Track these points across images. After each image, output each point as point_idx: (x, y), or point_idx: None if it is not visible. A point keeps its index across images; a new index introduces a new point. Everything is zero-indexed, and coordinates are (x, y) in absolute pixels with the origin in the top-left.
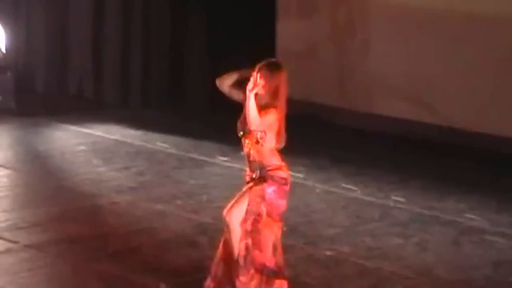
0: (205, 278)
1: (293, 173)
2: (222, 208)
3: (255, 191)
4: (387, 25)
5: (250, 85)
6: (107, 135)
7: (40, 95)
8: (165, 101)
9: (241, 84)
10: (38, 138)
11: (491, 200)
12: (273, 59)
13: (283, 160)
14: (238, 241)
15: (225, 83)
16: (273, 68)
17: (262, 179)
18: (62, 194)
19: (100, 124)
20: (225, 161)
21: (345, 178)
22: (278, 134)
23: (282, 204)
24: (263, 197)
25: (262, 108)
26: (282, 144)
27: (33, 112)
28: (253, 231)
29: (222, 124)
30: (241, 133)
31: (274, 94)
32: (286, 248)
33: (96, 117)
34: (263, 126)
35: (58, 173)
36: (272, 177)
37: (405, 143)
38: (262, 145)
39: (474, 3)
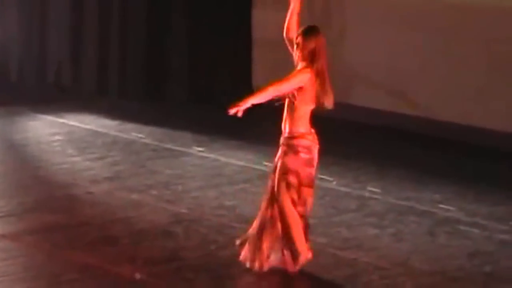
0: (180, 268)
1: (268, 164)
2: (198, 198)
3: (281, 168)
4: (364, 15)
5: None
6: (82, 125)
7: (16, 84)
8: (143, 91)
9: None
10: (13, 127)
11: (466, 191)
12: (311, 25)
13: (311, 124)
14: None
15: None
16: (309, 32)
17: (283, 151)
18: (37, 184)
19: (76, 114)
20: (200, 151)
21: (321, 169)
22: (316, 95)
23: (310, 171)
24: (288, 171)
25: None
26: (330, 104)
27: (8, 102)
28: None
29: (198, 114)
30: None
31: (310, 57)
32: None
33: (72, 106)
34: (288, 88)
35: (34, 163)
36: (292, 148)
37: (381, 134)
38: (293, 103)
39: None
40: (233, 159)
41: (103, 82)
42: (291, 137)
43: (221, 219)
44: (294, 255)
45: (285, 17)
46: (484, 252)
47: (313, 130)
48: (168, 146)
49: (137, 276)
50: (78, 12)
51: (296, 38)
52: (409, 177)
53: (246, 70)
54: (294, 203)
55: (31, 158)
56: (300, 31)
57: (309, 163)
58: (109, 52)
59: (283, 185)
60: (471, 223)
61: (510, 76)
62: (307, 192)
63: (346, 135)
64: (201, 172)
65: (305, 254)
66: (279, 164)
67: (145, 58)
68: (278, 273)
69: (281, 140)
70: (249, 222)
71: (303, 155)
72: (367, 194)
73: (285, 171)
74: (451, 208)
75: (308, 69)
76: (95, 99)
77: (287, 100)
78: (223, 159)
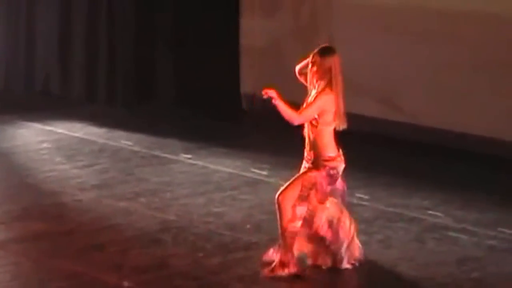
0: (168, 275)
1: (257, 170)
2: (186, 205)
3: (308, 178)
4: (352, 22)
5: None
6: (70, 133)
7: (4, 92)
8: (131, 98)
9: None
10: (1, 135)
11: (455, 197)
12: (325, 45)
13: (338, 146)
14: (285, 222)
15: (298, 66)
16: (324, 53)
17: (315, 166)
18: (25, 192)
19: (64, 122)
20: (188, 158)
21: None
22: (336, 115)
23: (327, 189)
24: (314, 184)
25: (317, 92)
26: (342, 125)
27: None
28: (309, 218)
29: (186, 122)
30: None
31: (328, 77)
32: (250, 246)
33: (60, 114)
34: (311, 115)
35: (21, 171)
36: (324, 166)
37: (369, 141)
38: (316, 127)
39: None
40: (221, 166)
41: (91, 89)
42: (323, 160)
43: (209, 226)
44: (281, 263)
45: (272, 24)
46: (472, 258)
47: (340, 151)
48: (156, 153)
49: (125, 284)
50: (65, 19)
51: (312, 57)
52: (397, 184)
53: (235, 78)
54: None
55: (19, 166)
56: (316, 50)
57: (333, 181)
58: (97, 59)
59: (303, 194)
60: (459, 229)
61: (497, 82)
62: (317, 208)
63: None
64: (189, 179)
65: (291, 267)
66: (308, 175)
67: (133, 65)
68: (268, 280)
69: (309, 162)
70: (237, 229)
71: (330, 173)
72: (355, 201)
73: (312, 185)
74: (439, 214)
75: (329, 90)
76: (82, 107)
77: (307, 124)
78: (211, 166)
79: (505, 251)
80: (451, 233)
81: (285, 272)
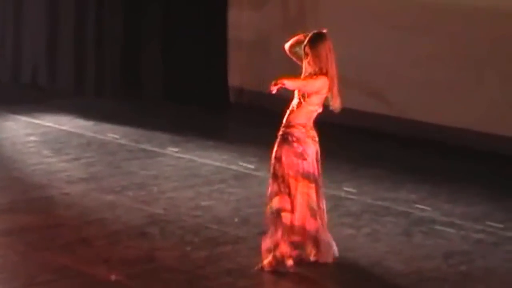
0: (156, 269)
1: (244, 164)
2: (173, 199)
3: (273, 153)
4: (340, 15)
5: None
6: (57, 126)
7: None
8: (119, 91)
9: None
10: None
11: (442, 190)
12: (316, 32)
13: (313, 122)
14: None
15: (287, 44)
16: (317, 39)
17: (279, 138)
18: (12, 185)
19: (51, 115)
20: (175, 152)
21: None
22: (332, 98)
23: (297, 163)
24: (276, 157)
25: (314, 74)
26: (338, 107)
27: None
28: (288, 194)
29: (173, 115)
30: None
31: (323, 63)
32: (237, 240)
33: (48, 107)
34: (313, 89)
35: (8, 164)
36: (284, 136)
37: (357, 134)
38: (302, 103)
39: None
40: (209, 159)
41: (79, 82)
42: (287, 125)
43: (197, 219)
44: (275, 258)
45: (261, 17)
46: (460, 251)
47: (311, 127)
48: (144, 146)
49: (113, 277)
50: (53, 12)
51: (304, 48)
52: (385, 177)
53: (222, 71)
54: (279, 193)
55: (6, 159)
56: (306, 40)
57: (299, 155)
58: (85, 52)
59: (271, 175)
60: (446, 223)
61: (485, 75)
62: (297, 185)
63: (321, 135)
64: (176, 173)
65: (285, 260)
66: (272, 155)
67: (121, 58)
68: (255, 273)
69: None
70: (225, 223)
71: (295, 145)
72: (342, 194)
73: (275, 159)
74: (426, 208)
75: (325, 76)
76: (70, 100)
77: (295, 99)
78: (198, 159)
79: (492, 244)
80: (438, 227)
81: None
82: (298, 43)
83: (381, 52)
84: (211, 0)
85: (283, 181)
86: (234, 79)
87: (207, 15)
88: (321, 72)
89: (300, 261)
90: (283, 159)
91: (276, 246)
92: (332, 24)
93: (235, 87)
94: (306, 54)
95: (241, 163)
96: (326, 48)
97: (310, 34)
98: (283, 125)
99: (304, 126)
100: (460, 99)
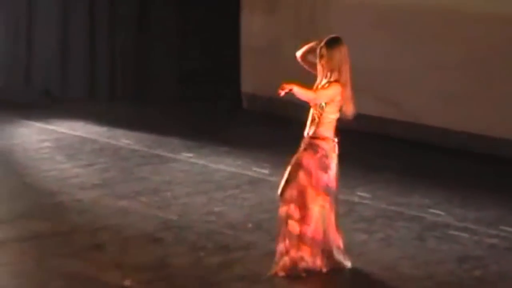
0: (169, 275)
1: (257, 169)
2: (186, 204)
3: (294, 159)
4: (350, 21)
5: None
6: (71, 132)
7: (4, 91)
8: (132, 97)
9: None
10: (1, 134)
11: (455, 195)
12: (333, 36)
13: (336, 133)
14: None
15: (300, 52)
16: (333, 44)
17: (307, 148)
18: (25, 191)
19: (65, 121)
20: (189, 157)
21: None
22: (345, 103)
23: (321, 176)
24: (300, 165)
25: (328, 82)
26: (350, 115)
27: None
28: (300, 206)
29: (186, 120)
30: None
31: (336, 69)
32: (250, 245)
33: (61, 113)
34: (325, 99)
35: (22, 170)
36: (312, 147)
37: (369, 139)
38: (321, 114)
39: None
40: (222, 165)
41: (92, 88)
42: (314, 137)
43: (210, 225)
44: (287, 263)
45: (273, 23)
46: (473, 256)
47: (336, 140)
48: (157, 152)
49: (126, 283)
50: (65, 18)
51: (320, 50)
52: (398, 182)
53: (235, 76)
54: (293, 201)
55: (20, 165)
56: (323, 42)
57: (323, 167)
58: (97, 58)
59: (291, 175)
60: (460, 227)
61: (494, 80)
62: (317, 198)
63: None
64: (189, 178)
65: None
66: (295, 157)
67: (133, 64)
68: (267, 279)
69: (303, 140)
70: (238, 228)
71: (323, 159)
72: (356, 199)
73: (297, 167)
74: (440, 212)
75: (338, 83)
76: (83, 106)
77: (313, 109)
78: (211, 165)
79: (506, 249)
80: (452, 232)
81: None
82: (311, 51)
83: (392, 58)
84: (224, 6)
85: (303, 191)
86: (247, 85)
87: (220, 22)
88: (332, 76)
89: (311, 270)
90: (312, 170)
91: (287, 251)
92: (343, 30)
93: (248, 93)
94: (321, 56)
95: (254, 169)
96: (342, 52)
97: (326, 38)
98: (310, 135)
99: (333, 141)
100: (471, 104)
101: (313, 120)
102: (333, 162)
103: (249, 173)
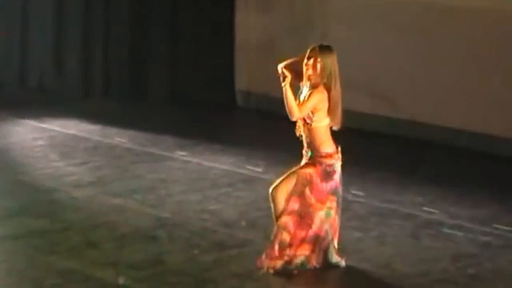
0: (163, 272)
1: (252, 167)
2: (181, 202)
3: (303, 174)
4: (346, 17)
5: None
6: (65, 130)
7: None
8: (126, 95)
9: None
10: None
11: (449, 193)
12: (324, 43)
13: (335, 143)
14: (279, 215)
15: (283, 64)
16: (325, 52)
17: (312, 163)
18: (19, 189)
19: (59, 119)
20: (183, 155)
21: None
22: (329, 113)
23: (324, 187)
24: (309, 181)
25: (311, 88)
26: (337, 124)
27: None
28: (304, 215)
29: (180, 118)
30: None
31: (323, 76)
32: (245, 243)
33: (55, 111)
34: (309, 110)
35: (16, 168)
36: (321, 163)
37: (364, 137)
38: (311, 124)
39: None
40: (216, 163)
41: (85, 86)
42: (322, 155)
43: (204, 223)
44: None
45: (268, 20)
46: (467, 254)
47: (339, 148)
48: (151, 150)
49: (120, 281)
50: (60, 15)
51: (313, 55)
52: (392, 180)
53: (229, 74)
54: (293, 213)
55: (14, 163)
56: (315, 47)
57: (328, 177)
58: (91, 56)
59: (297, 190)
60: (454, 225)
61: (489, 77)
62: (321, 206)
63: None
64: (184, 176)
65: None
66: (302, 172)
67: (127, 62)
68: (262, 276)
69: (307, 159)
70: (232, 226)
71: (322, 169)
72: (350, 197)
73: (305, 182)
74: (434, 210)
75: (323, 87)
76: (77, 104)
77: (300, 123)
78: (206, 163)
79: (500, 247)
80: (446, 230)
81: (273, 264)
82: (294, 63)
83: (388, 55)
84: (218, 3)
85: (306, 205)
86: (241, 82)
87: (214, 19)
88: (320, 84)
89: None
90: (319, 186)
91: (276, 256)
92: (339, 27)
93: (242, 91)
94: (314, 65)
95: (248, 167)
96: (334, 61)
97: (317, 45)
98: (318, 154)
99: (336, 153)
100: (467, 101)
101: (307, 139)
102: (338, 167)
103: (243, 171)
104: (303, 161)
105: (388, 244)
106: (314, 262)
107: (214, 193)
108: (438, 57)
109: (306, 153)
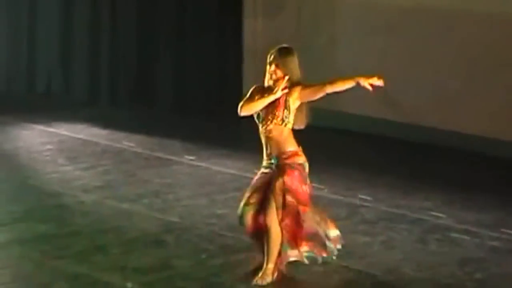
0: (171, 277)
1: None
2: (188, 206)
3: (277, 187)
4: (353, 22)
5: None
6: (73, 134)
7: (5, 94)
8: (134, 100)
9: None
10: (4, 137)
11: (456, 198)
12: (284, 45)
13: (298, 142)
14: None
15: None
16: (285, 53)
17: (280, 170)
18: (27, 193)
19: (66, 123)
20: (191, 160)
21: (312, 177)
22: (300, 114)
23: (305, 189)
24: (286, 190)
25: (288, 89)
26: (302, 124)
27: None
28: (294, 224)
29: (188, 123)
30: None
31: (293, 75)
32: (252, 247)
33: (63, 116)
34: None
35: (24, 172)
36: (290, 166)
37: (371, 141)
38: (285, 125)
39: (441, 0)
40: (224, 167)
41: (93, 91)
42: (286, 157)
43: (212, 227)
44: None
45: (275, 26)
46: (474, 258)
47: (300, 147)
48: (159, 155)
49: (128, 285)
50: (67, 21)
51: (273, 58)
52: (400, 185)
53: (237, 79)
54: (285, 227)
55: (22, 168)
56: (272, 52)
57: (304, 180)
58: (99, 61)
59: (278, 203)
60: (461, 230)
61: (495, 81)
62: (303, 210)
63: (337, 142)
64: (192, 181)
65: (269, 274)
66: (276, 183)
67: (135, 67)
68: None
69: (273, 162)
70: (239, 231)
71: (298, 173)
72: (358, 202)
73: (283, 191)
74: (441, 215)
75: (299, 85)
76: (85, 108)
77: (264, 126)
78: (213, 167)
79: (507, 252)
80: (453, 234)
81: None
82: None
83: (395, 60)
84: (226, 9)
85: (294, 213)
86: (249, 87)
87: (222, 24)
88: (293, 86)
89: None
90: (298, 189)
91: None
92: (346, 31)
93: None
94: (276, 65)
95: (256, 171)
96: (295, 61)
97: (275, 50)
98: (282, 158)
99: (300, 151)
100: (472, 105)
101: (271, 139)
102: (307, 168)
103: (251, 175)
104: (263, 170)
105: (395, 248)
106: (322, 253)
107: (222, 198)
108: (443, 62)
109: (268, 160)
